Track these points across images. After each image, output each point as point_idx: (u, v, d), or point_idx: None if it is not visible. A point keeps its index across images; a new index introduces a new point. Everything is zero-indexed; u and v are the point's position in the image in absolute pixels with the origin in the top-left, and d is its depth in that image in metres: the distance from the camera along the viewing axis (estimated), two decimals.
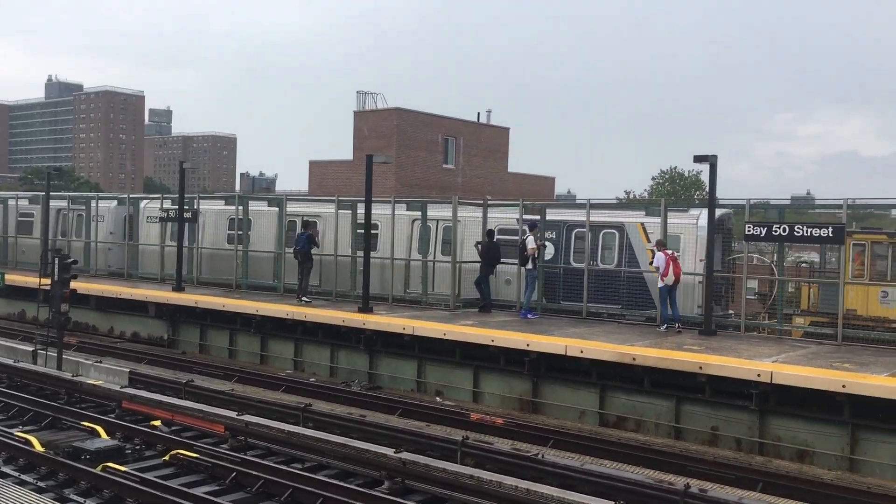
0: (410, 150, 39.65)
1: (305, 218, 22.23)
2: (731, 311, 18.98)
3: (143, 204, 27.95)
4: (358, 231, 21.76)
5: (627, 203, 32.06)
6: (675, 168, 59.37)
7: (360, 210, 20.88)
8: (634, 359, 14.28)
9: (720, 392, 13.61)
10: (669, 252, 17.04)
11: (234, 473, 10.52)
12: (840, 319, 15.98)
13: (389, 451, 11.01)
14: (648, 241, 18.67)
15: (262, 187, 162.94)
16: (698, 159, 16.88)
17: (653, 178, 61.10)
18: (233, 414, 12.82)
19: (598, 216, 19.54)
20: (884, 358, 14.30)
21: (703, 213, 18.04)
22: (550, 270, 20.09)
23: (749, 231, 16.65)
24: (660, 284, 17.11)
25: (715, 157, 16.74)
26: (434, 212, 21.86)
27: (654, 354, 14.29)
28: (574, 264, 19.91)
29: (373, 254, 20.49)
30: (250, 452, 11.66)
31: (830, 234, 15.76)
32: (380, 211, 21.40)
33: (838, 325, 15.93)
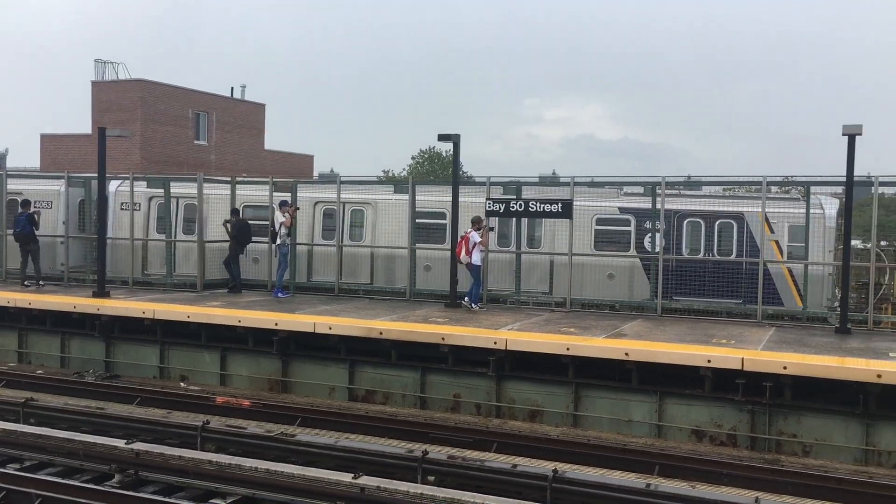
0: (157, 125, 37.34)
1: (24, 197, 20.20)
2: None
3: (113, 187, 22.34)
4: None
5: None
6: (434, 148, 61.23)
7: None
8: (381, 333, 14.55)
9: (462, 361, 14.25)
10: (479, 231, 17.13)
11: None
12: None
13: (121, 443, 10.36)
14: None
15: None
16: (442, 138, 17.44)
17: (412, 158, 62.58)
18: None
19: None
20: (603, 321, 15.75)
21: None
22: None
23: (489, 208, 17.55)
24: (474, 261, 17.23)
25: (457, 135, 17.39)
26: (178, 189, 20.80)
27: (400, 328, 14.64)
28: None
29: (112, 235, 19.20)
30: None
31: (560, 209, 17.03)
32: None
33: None
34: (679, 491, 9.49)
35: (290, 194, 20.26)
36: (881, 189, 15.64)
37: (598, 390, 13.36)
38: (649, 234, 18.21)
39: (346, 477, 9.20)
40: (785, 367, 11.87)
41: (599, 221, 18.55)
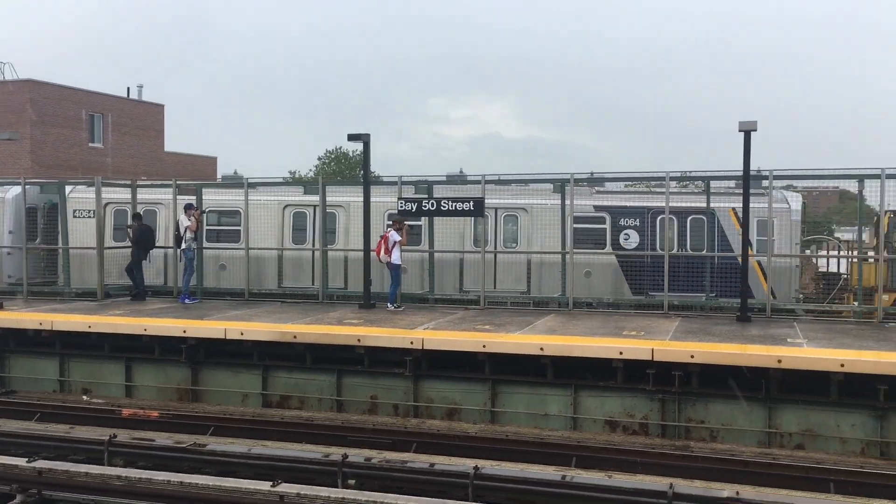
0: (49, 128, 35.63)
1: None
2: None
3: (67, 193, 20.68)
4: None
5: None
6: (340, 148, 60.70)
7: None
8: (296, 336, 14.29)
9: (378, 362, 14.15)
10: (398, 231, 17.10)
11: None
12: None
13: (22, 461, 9.83)
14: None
15: None
16: (352, 137, 17.29)
17: (319, 158, 61.90)
18: None
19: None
20: (517, 318, 15.93)
21: None
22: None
23: (402, 207, 17.49)
24: (394, 261, 17.14)
25: (367, 135, 17.28)
26: (77, 193, 19.94)
27: (315, 331, 14.42)
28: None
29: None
30: None
31: (472, 208, 17.13)
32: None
33: None
34: (597, 481, 9.70)
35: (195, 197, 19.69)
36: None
37: (515, 386, 13.50)
38: (624, 232, 18.50)
39: (265, 485, 8.98)
40: (692, 356, 12.27)
41: (575, 220, 18.23)
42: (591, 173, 18.87)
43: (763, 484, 10.12)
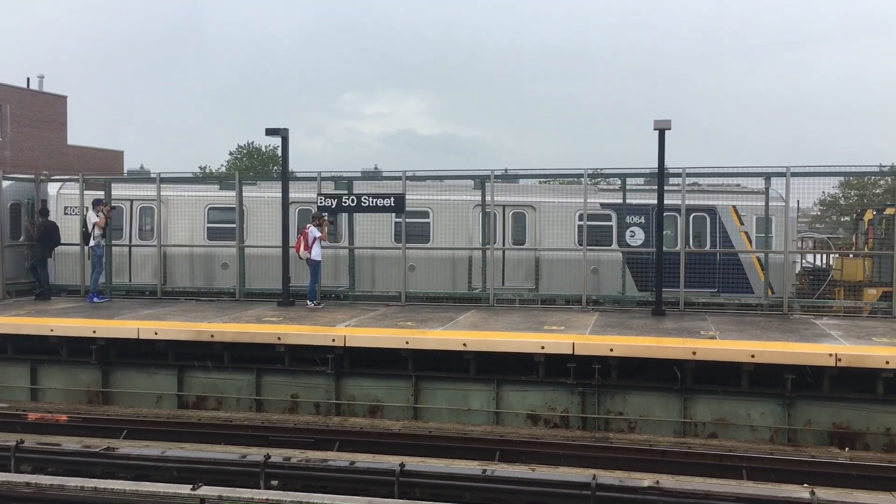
0: None
1: None
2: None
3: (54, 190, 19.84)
4: None
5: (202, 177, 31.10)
6: (253, 143, 59.55)
7: None
8: (213, 336, 13.92)
9: (299, 360, 13.92)
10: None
11: None
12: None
13: None
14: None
15: None
16: (270, 132, 16.95)
17: (230, 153, 60.56)
18: None
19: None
20: (439, 314, 15.94)
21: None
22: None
23: (321, 203, 17.27)
24: (314, 257, 16.89)
25: (286, 130, 17.00)
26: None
27: (233, 329, 14.08)
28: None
29: None
30: None
31: (392, 204, 17.05)
32: None
33: None
34: (521, 474, 9.77)
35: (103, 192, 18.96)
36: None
37: (438, 382, 13.49)
38: (630, 229, 18.56)
39: (185, 488, 8.69)
40: (611, 350, 12.53)
41: (582, 217, 18.13)
42: (506, 170, 19.01)
43: (680, 472, 10.41)
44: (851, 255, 19.35)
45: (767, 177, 17.02)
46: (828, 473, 10.44)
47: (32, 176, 20.02)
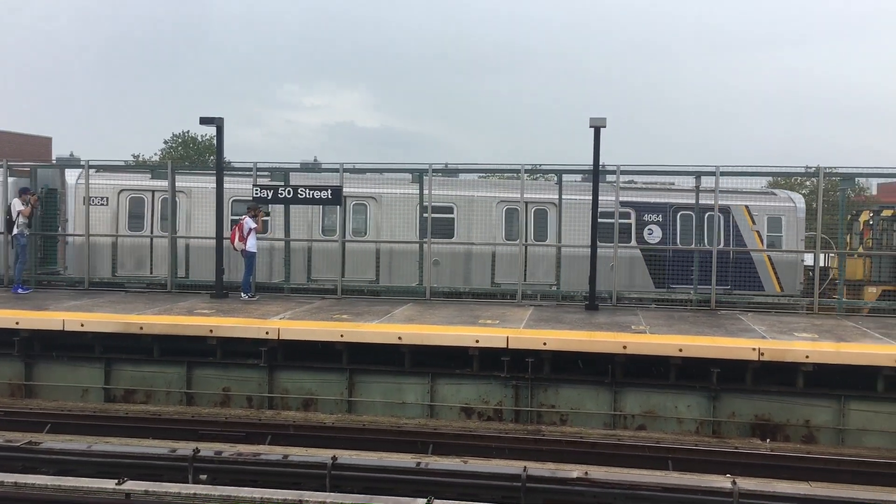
0: None
1: None
2: None
3: (73, 178, 19.07)
4: None
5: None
6: (188, 132, 58.36)
7: None
8: (142, 328, 13.62)
9: (231, 353, 13.73)
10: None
11: None
12: None
13: None
14: None
15: None
16: (205, 121, 16.65)
17: (165, 142, 59.23)
18: None
19: None
20: (375, 307, 15.90)
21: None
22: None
23: (257, 194, 17.04)
24: (249, 248, 16.66)
25: (221, 119, 16.72)
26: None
27: (163, 322, 13.80)
28: None
29: None
30: None
31: (330, 196, 16.93)
32: None
33: None
34: (453, 467, 9.84)
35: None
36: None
37: (373, 375, 13.47)
38: (648, 227, 18.95)
39: (109, 483, 8.47)
40: (545, 343, 12.69)
41: (601, 215, 18.05)
42: (446, 164, 19.08)
43: (609, 463, 10.63)
44: (856, 256, 20.01)
45: (698, 175, 17.45)
46: (750, 464, 10.78)
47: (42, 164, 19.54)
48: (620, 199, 18.70)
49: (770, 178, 21.20)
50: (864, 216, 21.61)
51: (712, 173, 16.43)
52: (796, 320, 15.22)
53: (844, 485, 10.01)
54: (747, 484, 9.02)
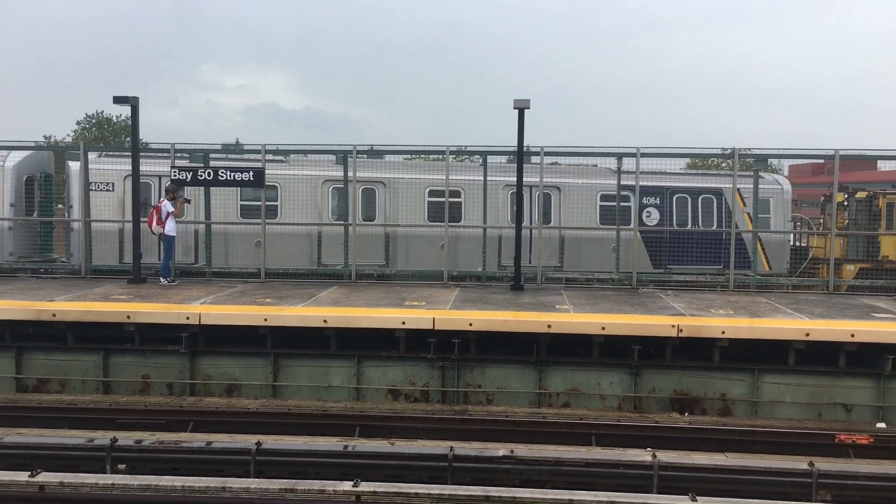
0: None
1: None
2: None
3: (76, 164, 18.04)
4: None
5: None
6: (103, 112, 56.35)
7: None
8: (55, 315, 13.12)
9: (150, 339, 13.36)
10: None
11: None
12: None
13: None
14: None
15: None
16: (118, 100, 16.07)
17: (78, 123, 57.07)
18: None
19: None
20: (300, 290, 15.69)
21: None
22: None
23: (175, 176, 16.54)
24: (168, 232, 16.17)
25: (136, 98, 16.16)
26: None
27: (78, 308, 13.31)
28: None
29: None
30: None
31: (252, 178, 16.56)
32: None
33: None
34: (380, 449, 9.81)
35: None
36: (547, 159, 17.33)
37: (298, 359, 13.31)
38: (646, 210, 19.24)
39: (22, 475, 8.14)
40: (471, 324, 12.75)
41: (603, 198, 18.85)
42: (372, 146, 18.89)
43: (534, 441, 10.77)
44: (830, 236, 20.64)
45: (619, 157, 17.75)
46: (669, 437, 11.10)
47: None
48: (622, 182, 19.06)
49: (689, 160, 21.90)
50: (839, 197, 22.07)
51: (633, 155, 16.74)
52: (713, 297, 15.69)
53: (758, 455, 10.39)
54: (666, 457, 9.27)
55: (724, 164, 39.42)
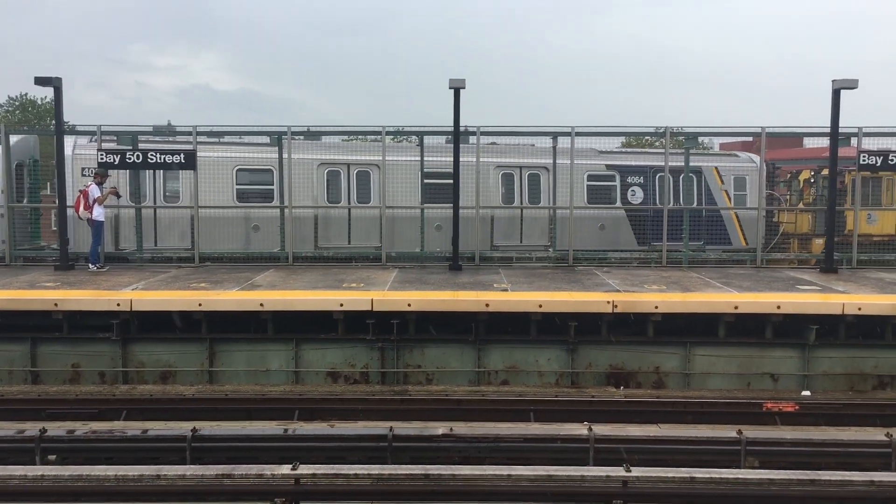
0: None
1: None
2: None
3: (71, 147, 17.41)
4: None
5: None
6: (27, 94, 54.26)
7: None
8: None
9: (80, 327, 13.01)
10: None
11: None
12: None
13: None
14: None
15: None
16: (41, 81, 15.49)
17: (1, 106, 54.82)
18: None
19: None
20: (235, 274, 15.46)
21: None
22: None
23: (102, 159, 16.09)
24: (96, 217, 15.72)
25: (59, 79, 15.61)
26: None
27: (2, 297, 12.85)
28: None
29: None
30: None
31: (183, 161, 16.21)
32: None
33: None
34: (319, 431, 9.76)
35: None
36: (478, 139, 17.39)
37: (234, 344, 13.13)
38: (631, 188, 19.62)
39: None
40: (409, 305, 12.75)
41: (590, 178, 19.21)
42: (308, 128, 18.65)
43: (474, 419, 10.86)
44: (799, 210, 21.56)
45: (555, 136, 17.91)
46: (606, 411, 11.31)
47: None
48: (606, 162, 19.85)
49: (624, 139, 22.32)
50: (805, 174, 23.41)
51: (568, 134, 16.91)
52: (647, 273, 16.01)
53: (689, 425, 10.69)
54: (602, 430, 9.46)
55: (657, 143, 40.14)
